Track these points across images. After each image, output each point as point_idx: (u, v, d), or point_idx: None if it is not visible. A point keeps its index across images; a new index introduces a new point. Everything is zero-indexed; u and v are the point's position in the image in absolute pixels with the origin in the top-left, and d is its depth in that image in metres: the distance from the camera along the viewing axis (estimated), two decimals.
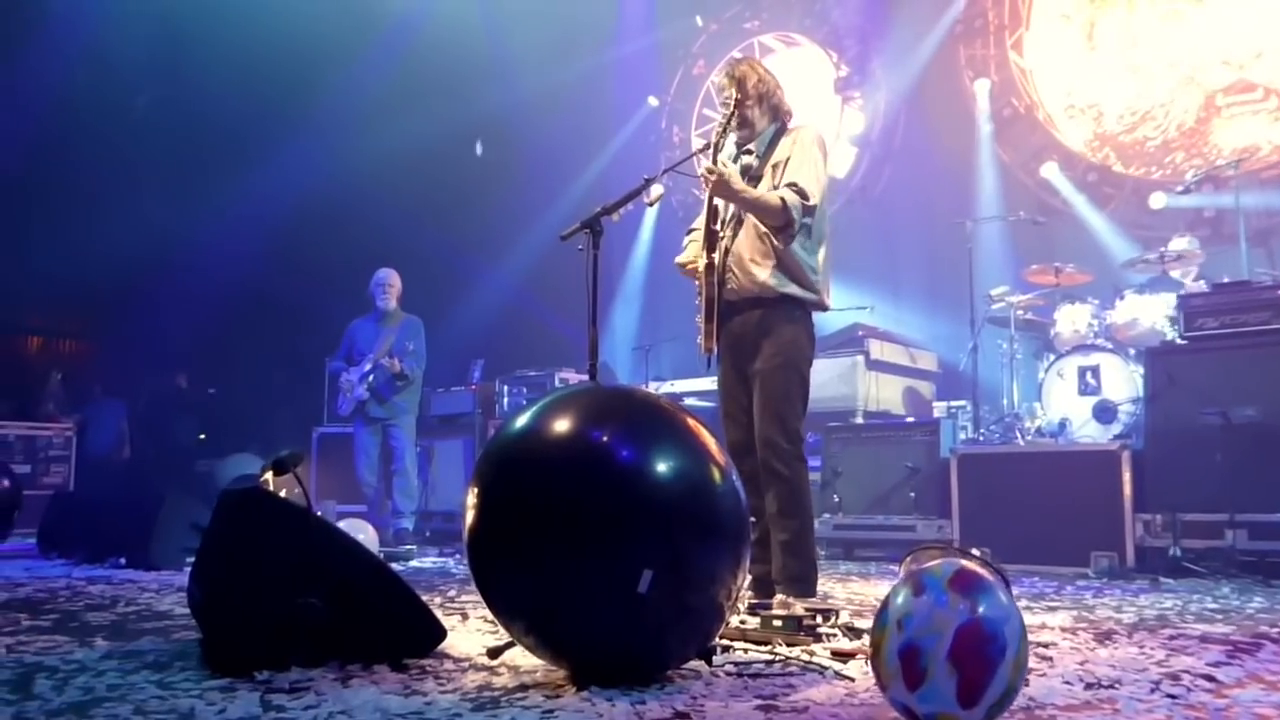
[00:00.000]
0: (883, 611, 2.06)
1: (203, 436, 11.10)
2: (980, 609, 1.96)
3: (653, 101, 11.77)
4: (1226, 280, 6.20)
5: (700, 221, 4.00)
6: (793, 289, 3.64)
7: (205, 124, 10.17)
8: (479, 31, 11.03)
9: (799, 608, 3.26)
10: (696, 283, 3.77)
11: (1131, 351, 6.33)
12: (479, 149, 10.80)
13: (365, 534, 5.40)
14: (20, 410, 10.39)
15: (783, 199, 3.57)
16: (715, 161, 3.61)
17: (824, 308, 3.77)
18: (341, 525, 5.32)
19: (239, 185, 10.00)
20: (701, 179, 3.65)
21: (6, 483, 7.53)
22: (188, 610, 3.34)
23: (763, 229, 3.64)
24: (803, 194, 3.58)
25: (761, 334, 3.67)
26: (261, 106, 10.01)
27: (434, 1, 10.80)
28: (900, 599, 2.05)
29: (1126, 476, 5.50)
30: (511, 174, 11.07)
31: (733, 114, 3.74)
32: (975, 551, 3.09)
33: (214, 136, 10.18)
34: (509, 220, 10.97)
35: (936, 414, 7.95)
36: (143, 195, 10.10)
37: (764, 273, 3.64)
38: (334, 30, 10.08)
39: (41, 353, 13.51)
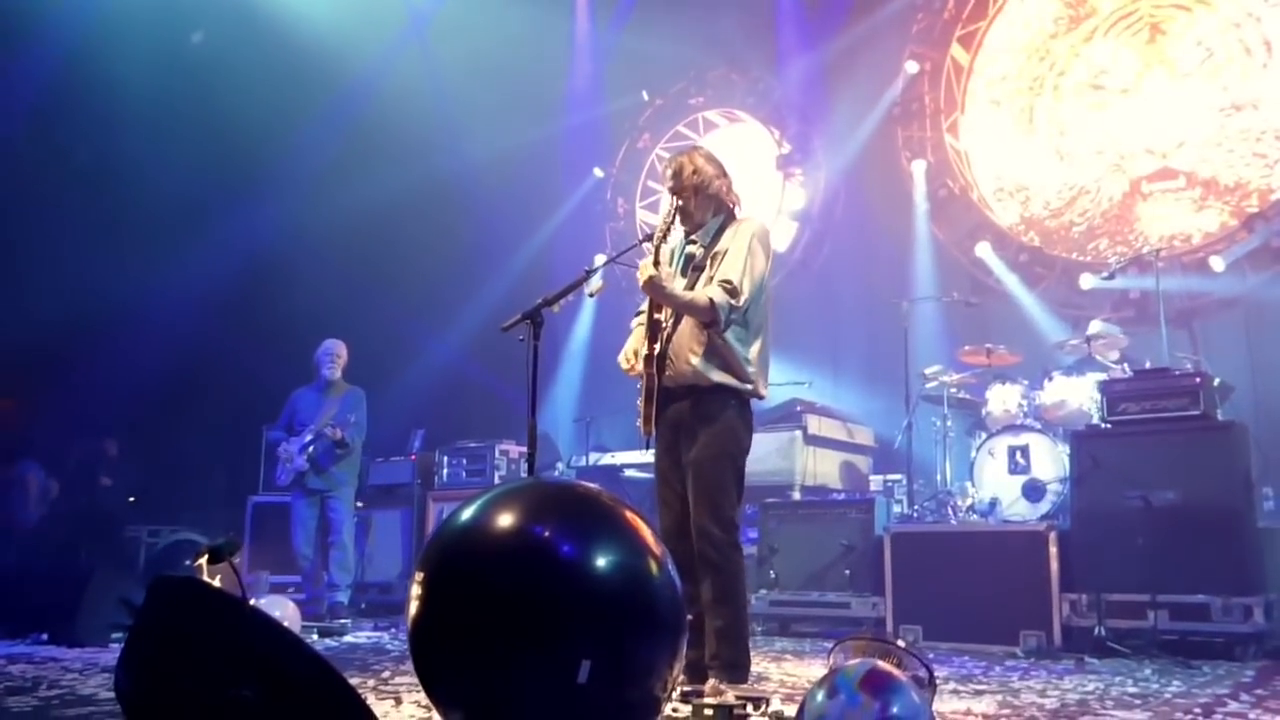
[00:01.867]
0: (801, 712, 2.13)
1: (132, 499, 10.86)
2: (891, 709, 2.04)
3: (598, 173, 11.96)
4: (1148, 365, 6.46)
5: (643, 306, 4.12)
6: (726, 378, 3.75)
7: (149, 185, 10.09)
8: (427, 100, 11.15)
9: (730, 695, 3.31)
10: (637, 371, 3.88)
11: (1060, 431, 6.53)
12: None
13: (284, 610, 5.31)
14: None
15: (711, 298, 3.69)
16: (656, 261, 3.72)
17: (758, 397, 3.87)
18: (262, 602, 5.27)
19: (182, 248, 9.92)
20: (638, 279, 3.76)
21: None
22: (113, 695, 3.28)
23: None
24: (732, 291, 3.70)
25: (696, 421, 3.76)
26: (206, 170, 9.98)
27: (382, 68, 10.91)
28: (817, 699, 2.12)
29: (1053, 556, 5.65)
30: (457, 241, 11.13)
31: (672, 218, 3.85)
32: (901, 642, 3.16)
33: (158, 198, 10.09)
34: (454, 287, 11.01)
35: (873, 487, 8.10)
36: (80, 254, 9.97)
37: (699, 361, 3.74)
38: (280, 96, 10.11)
39: None
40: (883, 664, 2.20)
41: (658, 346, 3.82)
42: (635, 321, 4.15)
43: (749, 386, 3.80)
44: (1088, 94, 9.14)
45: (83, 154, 10.48)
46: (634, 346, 4.01)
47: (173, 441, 10.52)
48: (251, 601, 3.31)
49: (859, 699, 2.05)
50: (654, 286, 3.68)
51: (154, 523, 9.24)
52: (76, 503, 10.37)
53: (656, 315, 3.87)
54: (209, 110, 9.76)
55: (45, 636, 5.71)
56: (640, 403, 3.89)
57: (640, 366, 3.83)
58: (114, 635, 5.48)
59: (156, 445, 10.59)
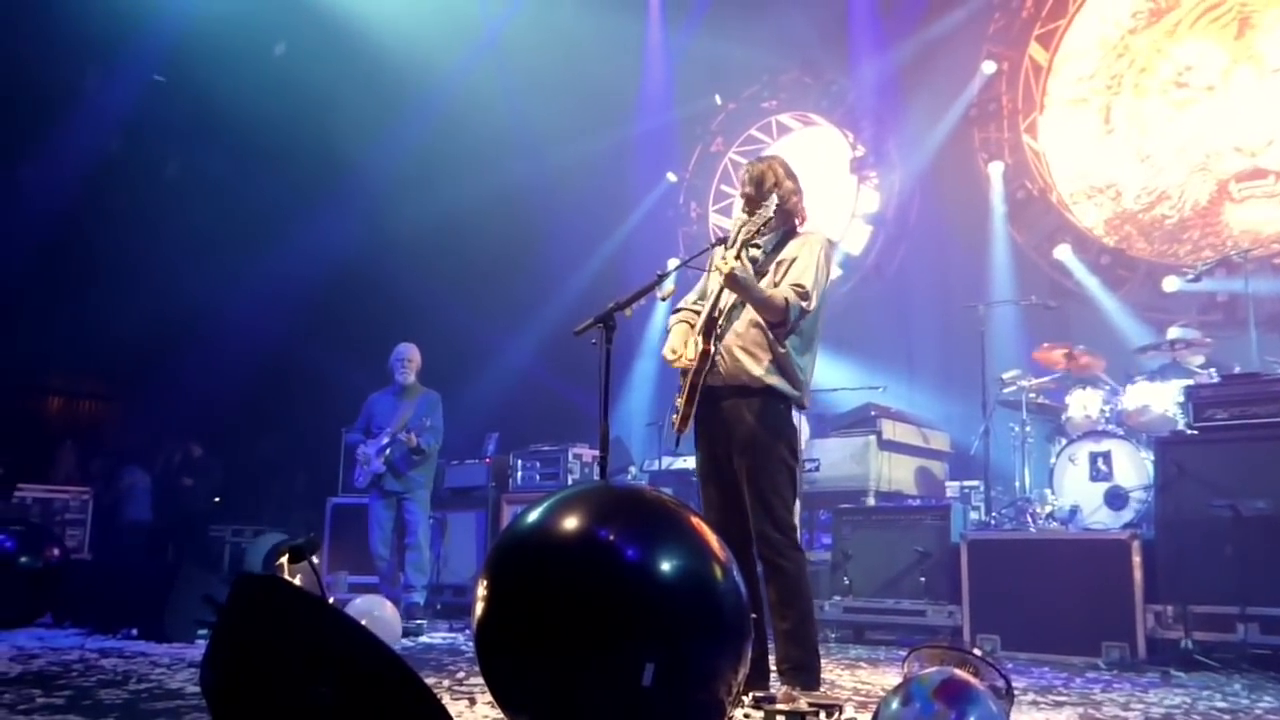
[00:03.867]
0: (875, 719, 2.11)
1: (217, 500, 11.17)
2: (968, 719, 2.00)
3: (671, 177, 11.98)
4: (1237, 370, 6.25)
5: (687, 302, 4.11)
6: (778, 382, 3.74)
7: (233, 196, 10.41)
8: (502, 107, 11.29)
9: (803, 702, 3.28)
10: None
11: (1143, 438, 6.35)
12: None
13: (383, 610, 5.40)
14: (38, 471, 10.47)
15: (786, 299, 3.69)
16: (738, 256, 3.70)
17: (803, 406, 3.87)
18: (360, 602, 5.38)
19: (264, 256, 10.20)
20: (716, 270, 3.74)
21: (57, 551, 6.94)
22: (199, 690, 3.39)
23: (761, 321, 3.74)
24: (804, 296, 3.71)
25: (743, 425, 3.74)
26: (289, 180, 10.25)
27: (457, 78, 11.07)
28: (892, 707, 2.10)
29: (1137, 566, 5.49)
30: (531, 246, 11.25)
31: (765, 222, 3.76)
32: (977, 651, 3.11)
33: (241, 208, 10.40)
34: (529, 292, 11.14)
35: (949, 494, 7.95)
36: (170, 263, 10.32)
37: (753, 363, 3.74)
38: (359, 107, 10.35)
39: (61, 413, 13.67)
40: (959, 673, 2.17)
41: (712, 345, 3.80)
42: (674, 319, 4.11)
43: (797, 394, 3.80)
44: (1171, 92, 8.89)
45: (172, 167, 10.86)
46: (676, 342, 3.97)
47: (255, 443, 10.82)
48: (332, 600, 3.38)
49: (934, 707, 2.03)
50: (735, 279, 3.65)
51: (236, 522, 9.50)
52: (163, 502, 10.72)
53: (714, 314, 3.85)
54: (291, 122, 10.01)
55: (135, 632, 5.90)
56: (679, 400, 3.84)
57: (687, 356, 3.80)
58: (200, 632, 5.64)
59: (239, 447, 10.91)
